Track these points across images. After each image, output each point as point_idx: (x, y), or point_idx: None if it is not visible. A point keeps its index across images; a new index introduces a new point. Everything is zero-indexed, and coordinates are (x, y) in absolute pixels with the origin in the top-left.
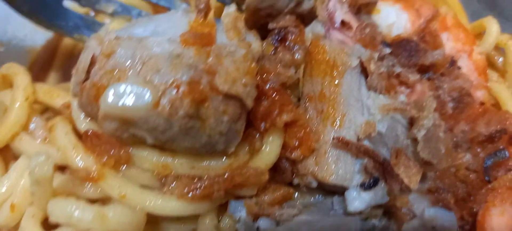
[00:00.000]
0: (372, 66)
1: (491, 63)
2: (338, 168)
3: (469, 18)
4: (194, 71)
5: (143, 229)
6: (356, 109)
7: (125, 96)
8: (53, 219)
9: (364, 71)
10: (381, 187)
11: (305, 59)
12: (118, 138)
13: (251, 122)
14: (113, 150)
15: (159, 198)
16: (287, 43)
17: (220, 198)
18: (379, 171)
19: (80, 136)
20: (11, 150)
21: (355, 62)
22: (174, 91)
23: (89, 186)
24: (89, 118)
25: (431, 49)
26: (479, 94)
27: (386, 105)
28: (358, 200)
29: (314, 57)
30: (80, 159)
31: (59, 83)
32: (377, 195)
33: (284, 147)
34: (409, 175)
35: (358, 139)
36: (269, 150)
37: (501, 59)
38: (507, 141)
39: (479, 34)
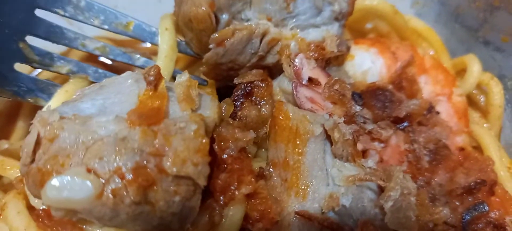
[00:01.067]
0: (336, 135)
1: (472, 102)
2: None
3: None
4: (140, 156)
5: None
6: (320, 180)
7: (66, 189)
8: None
9: (329, 138)
10: None
11: (270, 124)
12: (69, 220)
13: (210, 192)
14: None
15: None
16: (253, 98)
17: None
18: None
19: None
20: None
21: (318, 130)
22: (118, 180)
23: None
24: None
25: (408, 97)
26: (459, 140)
27: (351, 177)
28: None
29: (278, 122)
30: None
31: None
32: None
33: (245, 219)
34: None
35: (322, 213)
36: (229, 223)
37: (483, 97)
38: (487, 190)
39: (462, 70)
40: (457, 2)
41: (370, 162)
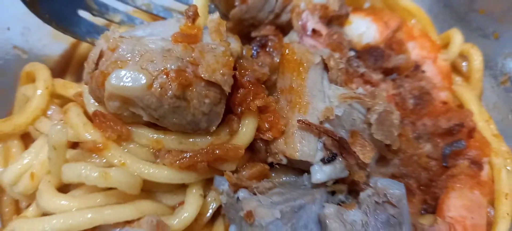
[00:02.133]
0: (331, 63)
1: (456, 69)
2: (303, 146)
3: (439, 31)
4: (181, 62)
5: (140, 196)
6: (318, 99)
7: (125, 79)
8: (65, 179)
9: (326, 68)
10: (339, 161)
11: (280, 60)
12: (120, 117)
13: (230, 109)
14: (116, 127)
15: (153, 167)
16: (267, 49)
17: (204, 169)
18: (337, 148)
19: (90, 118)
20: (30, 136)
21: (317, 59)
22: (164, 77)
23: (95, 157)
24: (97, 103)
25: (396, 55)
26: (442, 95)
27: (343, 94)
28: (320, 172)
29: (286, 57)
30: (88, 134)
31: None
32: (336, 168)
33: (258, 129)
34: (363, 152)
35: (320, 122)
36: (245, 131)
37: (464, 63)
38: (466, 134)
39: (447, 44)
40: None
41: (360, 89)
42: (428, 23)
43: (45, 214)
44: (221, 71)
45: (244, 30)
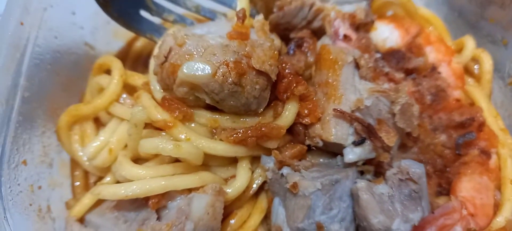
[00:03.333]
0: (362, 62)
1: (469, 71)
2: (337, 131)
3: (453, 37)
4: (237, 55)
5: (200, 168)
6: (350, 92)
7: (195, 68)
8: (142, 151)
9: (357, 66)
10: (368, 144)
11: (316, 59)
12: (185, 101)
13: (276, 97)
14: (182, 108)
15: (212, 142)
16: (303, 48)
17: (253, 145)
18: (366, 133)
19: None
20: (100, 121)
21: (350, 59)
22: (225, 67)
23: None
24: (162, 90)
25: (415, 57)
26: (456, 93)
27: (372, 88)
28: (352, 153)
29: (323, 56)
30: (159, 114)
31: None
32: (365, 150)
33: (298, 115)
34: (388, 137)
35: (351, 111)
36: (287, 114)
37: (476, 66)
38: (476, 127)
39: (460, 49)
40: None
41: (385, 85)
42: (443, 30)
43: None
44: (269, 62)
45: (279, 33)
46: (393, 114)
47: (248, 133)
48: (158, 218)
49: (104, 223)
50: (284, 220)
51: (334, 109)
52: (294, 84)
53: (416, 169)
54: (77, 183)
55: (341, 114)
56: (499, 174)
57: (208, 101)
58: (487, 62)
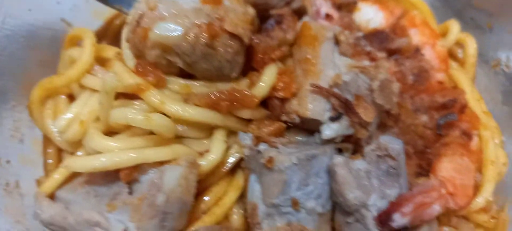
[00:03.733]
0: (342, 37)
1: (453, 56)
2: (313, 106)
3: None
4: (210, 18)
5: (174, 141)
6: (329, 68)
7: (166, 29)
8: (113, 121)
9: (337, 42)
10: (345, 120)
11: (297, 36)
12: (158, 66)
13: (252, 67)
14: (155, 73)
15: (185, 105)
16: (282, 26)
17: (226, 109)
18: (343, 109)
19: None
20: (73, 97)
21: (330, 34)
22: (197, 28)
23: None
24: (135, 57)
25: (399, 38)
26: (439, 76)
27: (351, 64)
28: (328, 129)
29: (303, 32)
30: (132, 79)
31: None
32: (343, 126)
33: (273, 89)
34: (365, 113)
35: (329, 87)
36: (263, 84)
37: (460, 50)
38: (459, 109)
39: (445, 34)
40: None
41: (365, 62)
42: (429, 14)
43: None
44: (242, 26)
45: (258, 14)
46: (372, 91)
47: (220, 96)
48: (130, 192)
49: (74, 199)
50: (260, 196)
51: (312, 85)
52: (272, 52)
53: (395, 145)
54: (50, 161)
55: (318, 90)
56: (480, 156)
57: (180, 64)
58: (472, 46)
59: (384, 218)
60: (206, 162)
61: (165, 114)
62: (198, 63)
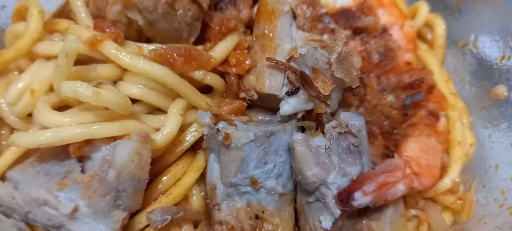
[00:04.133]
0: (299, 11)
1: (422, 37)
2: (270, 81)
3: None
4: None
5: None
6: (286, 42)
7: None
8: (63, 94)
9: (295, 16)
10: (302, 93)
11: (256, 14)
12: (118, 22)
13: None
14: (114, 30)
15: (141, 59)
16: (237, 5)
17: (180, 65)
18: (300, 82)
19: None
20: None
21: (286, 8)
22: None
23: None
24: (93, 17)
25: (365, 16)
26: (407, 57)
27: (307, 37)
28: (286, 105)
29: (260, 9)
30: (90, 33)
31: None
32: (300, 100)
33: (227, 63)
34: (323, 86)
35: (287, 61)
36: (219, 50)
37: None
38: (426, 90)
39: (414, 16)
40: None
41: (325, 36)
42: None
43: None
44: None
45: None
46: (330, 64)
47: (175, 51)
48: (83, 171)
49: (24, 178)
50: (218, 176)
51: (268, 58)
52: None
53: (356, 122)
54: (4, 143)
55: (274, 64)
56: (448, 137)
57: (140, 23)
58: (440, 27)
59: (344, 196)
60: (161, 136)
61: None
62: (158, 22)
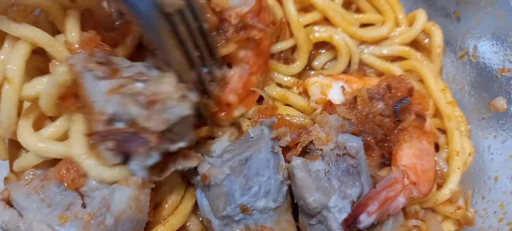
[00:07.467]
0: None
1: (419, 45)
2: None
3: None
4: None
5: None
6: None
7: None
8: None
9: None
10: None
11: None
12: None
13: None
14: None
15: None
16: None
17: None
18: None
19: None
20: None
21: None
22: None
23: None
24: None
25: None
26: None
27: (109, 89)
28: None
29: None
30: None
31: None
32: (139, 162)
33: None
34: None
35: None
36: None
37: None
38: (406, 93)
39: (412, 23)
40: None
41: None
42: (396, 3)
43: None
44: None
45: None
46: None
47: None
48: (84, 205)
49: (28, 206)
50: (210, 210)
51: (86, 134)
52: None
53: (353, 143)
54: None
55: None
56: (435, 136)
57: None
58: (438, 36)
59: (351, 222)
60: None
61: None
62: None
